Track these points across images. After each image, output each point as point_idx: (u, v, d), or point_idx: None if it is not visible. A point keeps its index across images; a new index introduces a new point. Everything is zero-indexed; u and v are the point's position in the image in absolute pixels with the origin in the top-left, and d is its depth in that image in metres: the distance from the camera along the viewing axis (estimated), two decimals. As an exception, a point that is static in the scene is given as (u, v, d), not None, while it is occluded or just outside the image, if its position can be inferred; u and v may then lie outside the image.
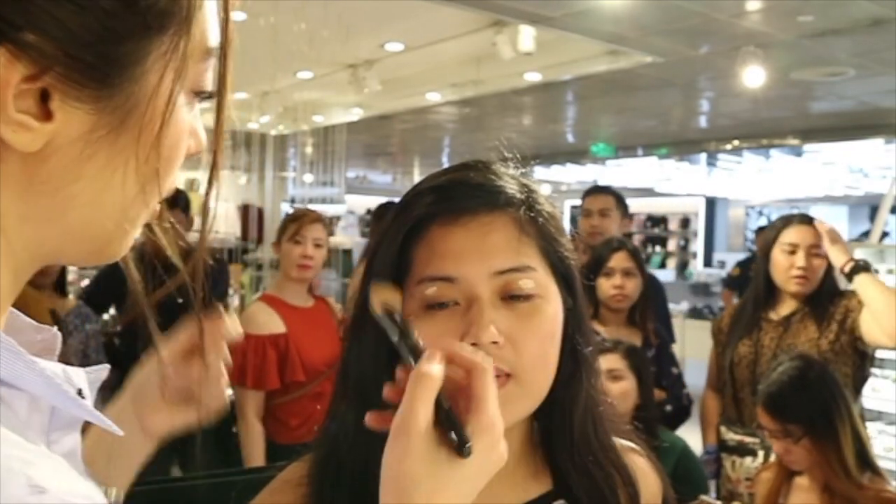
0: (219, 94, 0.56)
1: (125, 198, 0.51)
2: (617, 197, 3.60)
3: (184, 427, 0.92)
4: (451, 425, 0.63)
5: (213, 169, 0.58)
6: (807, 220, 2.71)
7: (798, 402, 2.12)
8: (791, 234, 2.67)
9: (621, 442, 0.91)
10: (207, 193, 0.59)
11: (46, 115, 0.46)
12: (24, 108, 0.45)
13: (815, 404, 2.10)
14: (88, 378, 0.54)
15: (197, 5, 0.51)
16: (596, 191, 3.72)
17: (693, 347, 6.22)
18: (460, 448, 0.62)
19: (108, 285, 3.87)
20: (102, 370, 0.56)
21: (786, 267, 2.67)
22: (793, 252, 2.65)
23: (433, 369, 0.64)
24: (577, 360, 0.84)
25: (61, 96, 0.46)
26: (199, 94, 0.55)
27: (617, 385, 2.35)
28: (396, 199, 0.87)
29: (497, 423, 0.65)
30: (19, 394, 0.47)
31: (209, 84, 0.55)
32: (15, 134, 0.45)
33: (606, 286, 2.80)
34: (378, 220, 4.08)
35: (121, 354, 3.55)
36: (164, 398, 0.91)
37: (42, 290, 3.06)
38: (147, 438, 0.93)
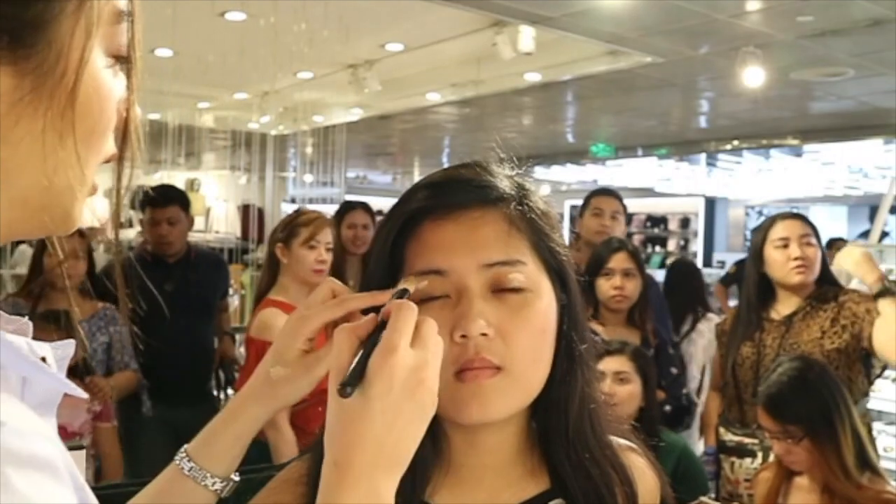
0: (128, 59, 0.57)
1: (57, 160, 0.51)
2: (622, 201, 3.64)
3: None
4: (352, 370, 0.65)
5: (123, 144, 0.58)
6: (793, 215, 2.74)
7: (798, 403, 2.12)
8: (780, 229, 2.69)
9: (619, 441, 0.91)
10: (119, 176, 0.58)
11: None
12: None
13: (815, 405, 2.11)
14: (55, 353, 0.55)
15: None
16: (607, 193, 3.72)
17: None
18: (340, 387, 0.64)
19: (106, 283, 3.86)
20: (68, 346, 0.57)
21: (782, 261, 2.66)
22: (785, 245, 2.66)
23: (354, 324, 0.69)
24: (573, 357, 0.84)
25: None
26: (118, 59, 0.56)
27: (624, 388, 2.35)
28: (379, 199, 0.88)
29: (398, 352, 0.65)
30: None
31: (122, 46, 0.56)
32: None
33: (606, 287, 2.80)
34: (342, 219, 4.02)
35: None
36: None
37: (63, 293, 3.01)
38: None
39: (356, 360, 0.66)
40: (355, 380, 0.64)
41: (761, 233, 2.76)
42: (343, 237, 3.81)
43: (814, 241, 2.67)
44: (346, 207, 4.11)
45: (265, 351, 0.91)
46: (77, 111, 0.52)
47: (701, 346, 3.90)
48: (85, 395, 0.57)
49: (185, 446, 0.86)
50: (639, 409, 2.37)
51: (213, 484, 0.84)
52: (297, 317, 0.86)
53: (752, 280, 2.77)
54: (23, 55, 0.49)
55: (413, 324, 0.68)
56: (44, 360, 0.54)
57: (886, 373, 4.31)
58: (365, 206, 4.19)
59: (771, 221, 2.76)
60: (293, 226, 2.92)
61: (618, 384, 2.35)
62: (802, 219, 2.74)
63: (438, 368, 0.68)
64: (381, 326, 0.68)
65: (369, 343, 0.67)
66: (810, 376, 2.17)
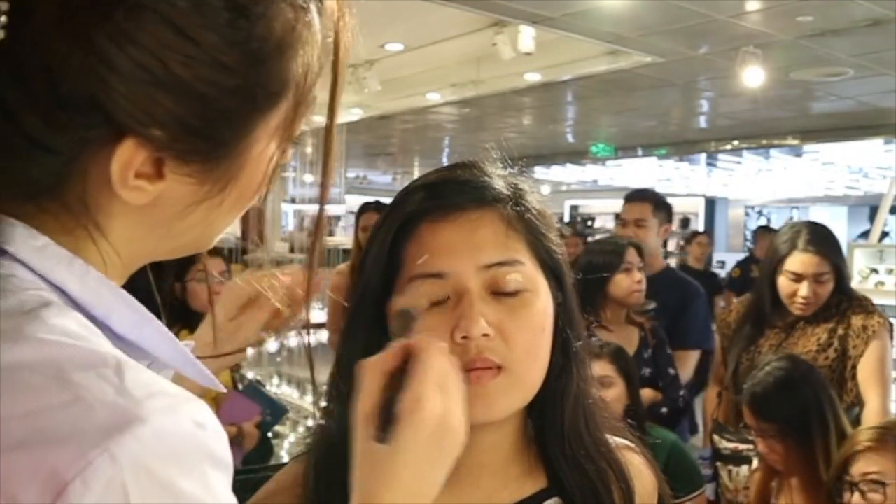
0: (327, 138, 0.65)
1: (221, 227, 0.63)
2: (655, 202, 3.31)
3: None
4: (380, 411, 0.66)
5: (324, 190, 0.69)
6: (811, 248, 2.53)
7: (780, 401, 2.12)
8: (795, 264, 2.54)
9: (615, 439, 0.91)
10: (321, 211, 0.69)
11: (159, 176, 0.54)
12: (141, 174, 0.54)
13: (797, 405, 2.11)
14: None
15: (312, 82, 0.59)
16: (632, 198, 3.41)
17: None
18: (378, 433, 0.66)
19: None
20: (192, 344, 0.66)
21: (789, 293, 2.59)
22: (797, 280, 2.55)
23: (379, 359, 0.70)
24: (568, 355, 0.84)
25: (173, 165, 0.54)
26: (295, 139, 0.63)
27: (609, 392, 2.32)
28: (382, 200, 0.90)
29: (427, 403, 0.66)
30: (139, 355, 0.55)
31: (301, 128, 0.63)
32: (130, 194, 0.54)
33: (628, 282, 2.76)
34: (359, 220, 4.04)
35: None
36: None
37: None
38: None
39: (385, 405, 0.67)
40: (388, 425, 0.66)
41: (777, 256, 2.60)
42: (360, 238, 3.89)
43: (828, 276, 2.53)
44: (362, 209, 4.12)
45: None
46: (248, 198, 0.61)
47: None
48: (223, 389, 0.66)
49: None
50: (624, 409, 2.36)
51: None
52: (230, 291, 0.96)
53: (767, 298, 2.68)
54: (212, 167, 0.56)
55: (438, 369, 0.68)
56: None
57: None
58: (378, 207, 4.21)
59: (788, 248, 2.57)
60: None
61: (602, 389, 2.32)
62: (822, 253, 2.54)
63: (462, 409, 0.69)
64: (405, 359, 0.69)
65: (396, 385, 0.67)
66: (795, 376, 2.16)
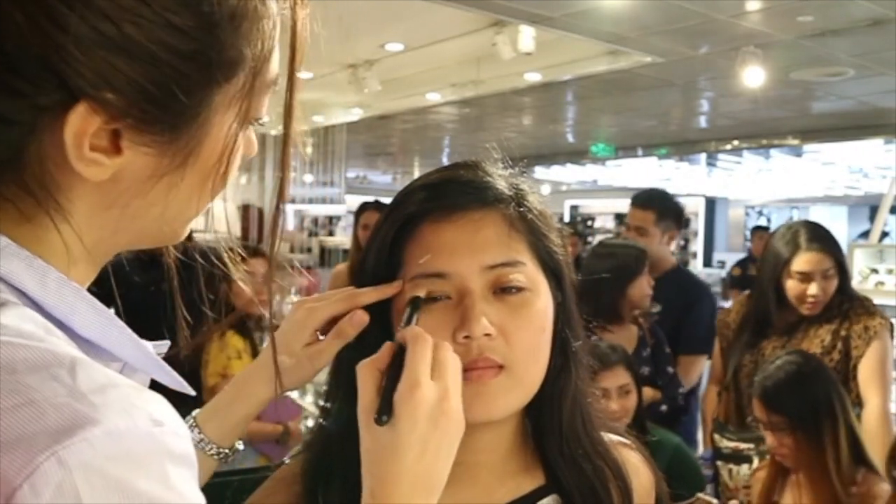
0: (286, 129, 0.63)
1: (185, 212, 0.61)
2: (659, 211, 3.22)
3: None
4: (379, 403, 0.69)
5: (282, 185, 0.68)
6: (815, 245, 2.53)
7: (791, 396, 2.13)
8: (802, 263, 2.53)
9: (612, 437, 0.92)
10: (277, 207, 0.70)
11: (116, 150, 0.53)
12: (97, 147, 0.53)
13: (808, 398, 2.11)
14: (155, 350, 0.62)
15: (267, 55, 0.58)
16: (635, 203, 3.32)
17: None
18: (376, 417, 0.67)
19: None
20: (163, 345, 0.63)
21: (799, 294, 2.57)
22: (805, 280, 2.53)
23: (373, 358, 0.72)
24: (567, 355, 0.85)
25: (130, 136, 0.53)
26: (257, 121, 0.61)
27: (630, 399, 2.31)
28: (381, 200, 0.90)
29: (421, 388, 0.67)
30: (100, 355, 0.54)
31: (265, 110, 0.61)
32: (87, 168, 0.53)
33: (645, 286, 2.79)
34: (358, 219, 4.03)
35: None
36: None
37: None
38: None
39: (383, 393, 0.69)
40: (386, 411, 0.68)
41: (780, 260, 2.58)
42: (359, 237, 3.87)
43: (833, 272, 2.53)
44: (362, 208, 4.11)
45: None
46: (209, 177, 0.59)
47: None
48: (192, 392, 0.63)
49: (194, 414, 0.90)
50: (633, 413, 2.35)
51: (217, 454, 0.88)
52: (305, 308, 0.88)
53: (772, 302, 2.67)
54: (172, 138, 0.55)
55: (430, 354, 0.70)
56: None
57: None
58: (378, 206, 4.20)
59: (792, 250, 2.56)
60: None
61: (624, 398, 2.27)
62: (826, 250, 2.54)
63: (459, 392, 0.71)
64: (398, 353, 0.71)
65: (391, 375, 0.70)
66: (806, 370, 2.17)
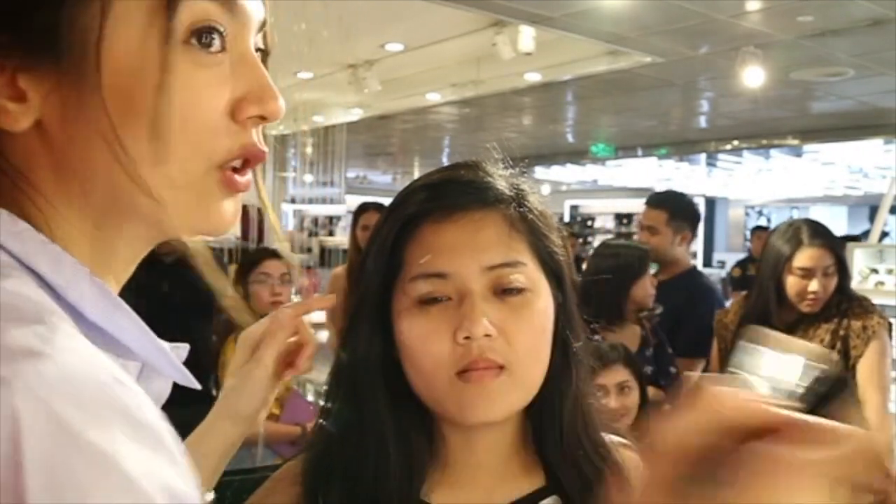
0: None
1: (144, 168, 0.50)
2: (672, 211, 3.20)
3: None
4: None
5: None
6: (817, 241, 2.54)
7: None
8: (804, 259, 2.53)
9: (612, 437, 0.91)
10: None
11: (20, 96, 0.49)
12: (4, 94, 0.49)
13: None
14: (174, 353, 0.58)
15: None
16: (649, 202, 3.31)
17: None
18: None
19: None
20: (183, 349, 0.59)
21: (799, 290, 2.58)
22: (806, 276, 2.53)
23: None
24: (567, 355, 0.85)
25: (26, 76, 0.49)
26: (201, 32, 0.51)
27: (630, 398, 2.29)
28: (379, 200, 0.90)
29: None
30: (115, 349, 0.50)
31: (211, 15, 0.51)
32: (1, 117, 0.49)
33: (648, 286, 2.78)
34: (357, 220, 4.01)
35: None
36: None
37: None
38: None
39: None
40: None
41: (782, 256, 2.58)
42: (358, 238, 3.85)
43: (833, 269, 2.54)
44: (361, 209, 4.10)
45: None
46: (116, 102, 0.49)
47: None
48: (198, 385, 0.57)
49: None
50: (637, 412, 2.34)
51: None
52: (243, 333, 0.96)
53: (772, 299, 2.67)
54: (57, 60, 0.48)
55: None
56: None
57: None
58: (378, 207, 4.19)
59: (794, 246, 2.56)
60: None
61: (623, 396, 2.25)
62: (827, 246, 2.55)
63: None
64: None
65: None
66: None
